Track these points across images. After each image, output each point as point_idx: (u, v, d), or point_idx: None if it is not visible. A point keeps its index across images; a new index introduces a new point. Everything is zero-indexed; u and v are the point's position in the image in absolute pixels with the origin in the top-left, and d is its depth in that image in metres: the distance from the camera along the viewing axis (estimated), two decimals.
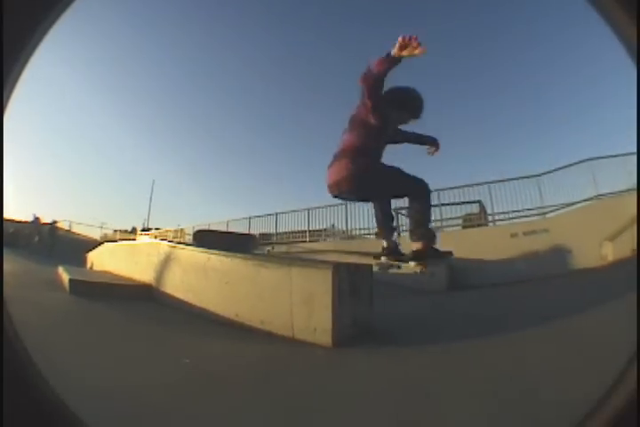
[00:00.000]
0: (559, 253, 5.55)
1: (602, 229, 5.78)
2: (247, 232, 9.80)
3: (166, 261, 4.01)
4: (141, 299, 4.08)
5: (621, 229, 5.68)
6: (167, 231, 14.96)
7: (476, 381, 1.73)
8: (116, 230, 20.31)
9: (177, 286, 3.85)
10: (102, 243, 8.63)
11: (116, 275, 5.35)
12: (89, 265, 7.84)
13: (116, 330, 2.88)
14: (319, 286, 2.59)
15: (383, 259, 2.60)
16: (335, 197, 2.41)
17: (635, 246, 5.22)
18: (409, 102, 2.35)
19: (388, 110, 2.28)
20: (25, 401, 0.65)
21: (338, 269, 2.60)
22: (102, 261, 6.92)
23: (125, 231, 20.25)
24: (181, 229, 13.98)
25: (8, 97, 0.69)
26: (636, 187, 5.79)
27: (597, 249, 5.78)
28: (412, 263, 2.38)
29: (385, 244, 2.56)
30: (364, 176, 2.22)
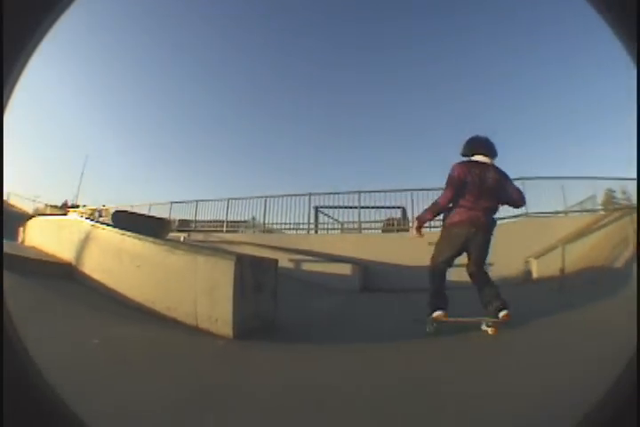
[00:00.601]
0: None
1: (526, 245, 6.15)
2: (162, 216, 9.33)
3: (86, 240, 3.88)
4: (63, 277, 3.93)
5: (548, 249, 6.07)
6: (92, 209, 14.32)
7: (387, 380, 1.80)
8: (47, 205, 19.06)
9: (94, 266, 3.75)
10: (33, 217, 8.14)
11: (42, 251, 5.12)
12: (20, 239, 7.41)
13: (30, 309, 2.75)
14: (222, 276, 2.62)
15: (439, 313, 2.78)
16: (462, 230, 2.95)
17: (562, 265, 5.65)
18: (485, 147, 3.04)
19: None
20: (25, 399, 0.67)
21: (241, 260, 2.62)
22: (32, 235, 6.56)
23: (55, 206, 19.11)
24: (106, 209, 13.34)
25: (8, 97, 0.70)
26: (636, 204, 6.15)
27: (519, 265, 6.16)
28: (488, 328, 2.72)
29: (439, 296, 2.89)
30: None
